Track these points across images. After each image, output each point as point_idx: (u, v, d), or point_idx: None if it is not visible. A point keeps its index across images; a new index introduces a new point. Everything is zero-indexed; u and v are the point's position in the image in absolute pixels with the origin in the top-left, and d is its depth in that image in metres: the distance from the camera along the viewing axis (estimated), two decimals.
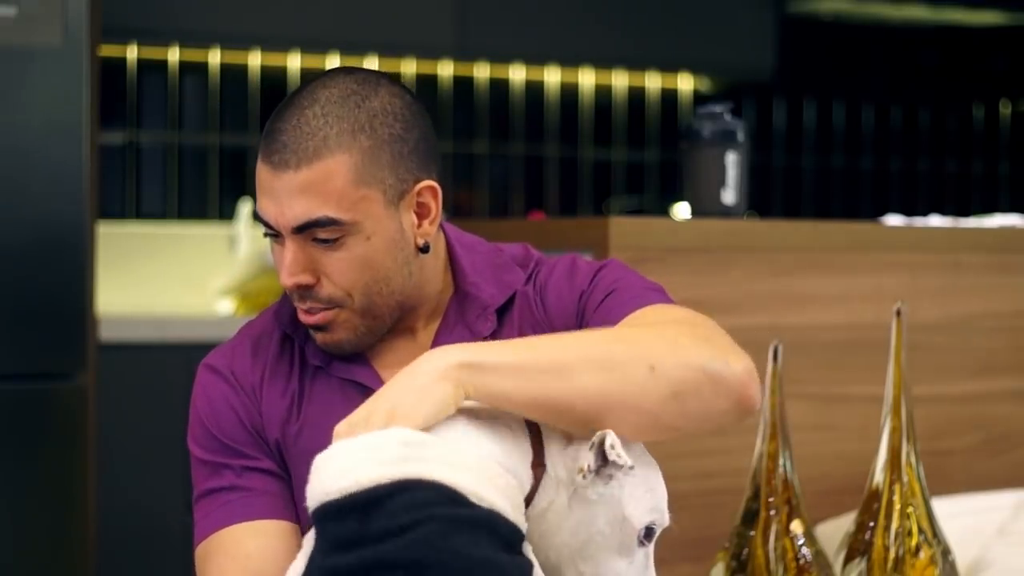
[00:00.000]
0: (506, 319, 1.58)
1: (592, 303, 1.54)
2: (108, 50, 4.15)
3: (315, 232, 1.48)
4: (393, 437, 1.28)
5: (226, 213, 4.39)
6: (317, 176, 1.47)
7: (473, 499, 1.27)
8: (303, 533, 1.50)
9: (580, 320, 1.55)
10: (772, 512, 1.90)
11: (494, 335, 1.56)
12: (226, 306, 4.26)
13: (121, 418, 3.50)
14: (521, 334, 1.55)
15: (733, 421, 1.41)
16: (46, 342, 2.99)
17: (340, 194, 1.47)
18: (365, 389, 1.52)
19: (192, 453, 1.59)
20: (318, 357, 1.56)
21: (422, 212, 1.53)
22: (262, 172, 1.50)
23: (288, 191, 1.47)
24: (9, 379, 2.97)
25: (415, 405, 1.31)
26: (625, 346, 1.37)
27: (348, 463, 1.27)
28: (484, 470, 1.30)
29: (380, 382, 1.52)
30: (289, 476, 1.56)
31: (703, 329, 1.43)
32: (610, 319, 1.49)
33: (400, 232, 1.52)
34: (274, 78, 4.48)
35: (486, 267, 1.60)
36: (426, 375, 1.32)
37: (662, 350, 1.37)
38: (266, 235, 1.53)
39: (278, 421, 1.56)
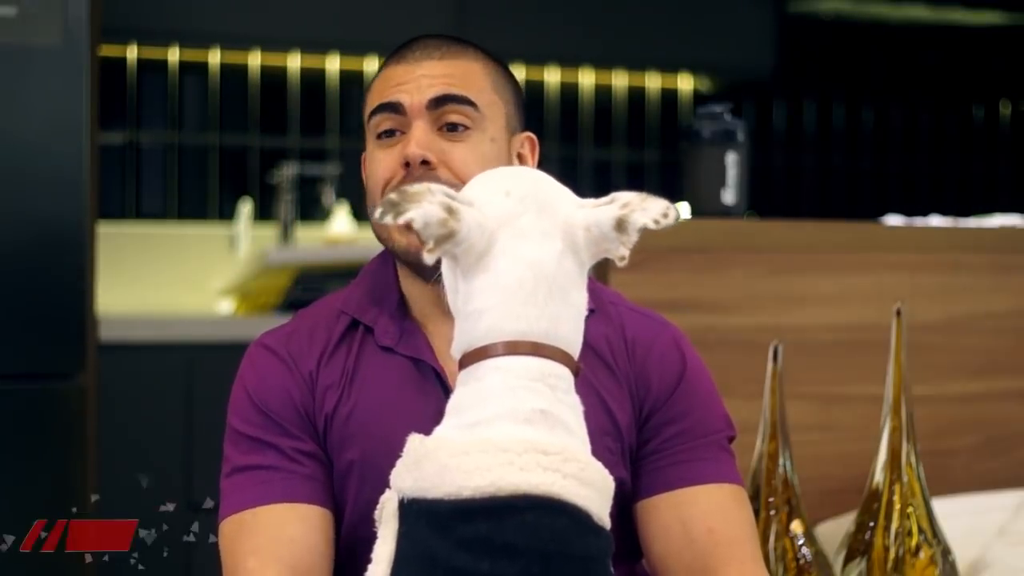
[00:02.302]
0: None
1: (682, 410, 1.61)
2: (108, 50, 4.15)
3: (449, 111, 1.54)
4: (532, 446, 1.26)
5: (226, 213, 4.39)
6: (458, 68, 1.57)
7: (596, 521, 1.28)
8: (345, 513, 1.52)
9: (670, 397, 1.61)
10: (772, 512, 1.90)
11: None
12: (226, 306, 4.26)
13: (121, 418, 3.50)
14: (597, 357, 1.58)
15: None
16: (46, 342, 2.98)
17: (478, 88, 1.56)
18: (426, 370, 1.54)
19: (231, 426, 1.58)
20: (388, 337, 1.57)
21: (521, 160, 1.62)
22: (395, 71, 1.57)
23: (429, 75, 1.55)
24: (9, 379, 2.97)
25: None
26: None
27: (486, 462, 1.25)
28: (606, 488, 1.31)
29: (441, 366, 1.55)
30: (329, 460, 1.55)
31: None
32: (689, 444, 1.60)
33: (510, 159, 1.59)
34: (274, 78, 4.48)
35: None
36: None
37: None
38: (380, 136, 1.56)
39: (331, 402, 1.56)
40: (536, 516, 1.24)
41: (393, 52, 1.61)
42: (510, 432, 1.26)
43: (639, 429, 1.59)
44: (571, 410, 1.31)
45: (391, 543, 1.29)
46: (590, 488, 1.28)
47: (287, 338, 1.61)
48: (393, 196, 1.27)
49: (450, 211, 1.28)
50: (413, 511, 1.27)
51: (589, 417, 1.46)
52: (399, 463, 1.30)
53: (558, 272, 1.32)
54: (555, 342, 1.31)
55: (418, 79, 1.55)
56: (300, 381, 1.57)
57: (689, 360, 1.62)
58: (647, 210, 1.32)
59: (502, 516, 1.23)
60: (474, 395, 1.30)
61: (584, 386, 1.54)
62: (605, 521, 1.29)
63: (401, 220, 1.27)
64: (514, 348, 1.29)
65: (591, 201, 1.36)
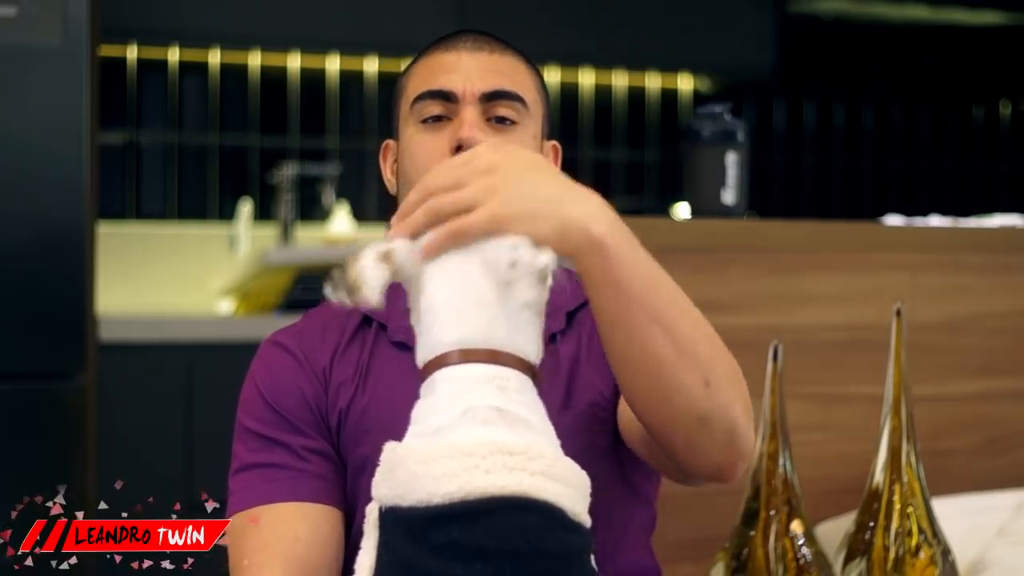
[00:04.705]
0: (575, 321, 1.61)
1: None
2: (108, 50, 4.15)
3: (499, 105, 1.55)
4: (496, 447, 1.26)
5: (226, 213, 4.40)
6: (509, 66, 1.59)
7: (571, 516, 1.27)
8: (357, 510, 1.52)
9: None
10: (772, 512, 1.89)
11: (562, 334, 1.59)
12: (226, 306, 4.26)
13: (121, 418, 3.50)
14: (590, 342, 1.57)
15: (703, 473, 1.43)
16: (46, 342, 2.99)
17: (525, 86, 1.58)
18: None
19: (241, 424, 1.58)
20: (402, 332, 1.56)
21: None
22: (444, 58, 1.58)
23: (481, 66, 1.57)
24: (9, 379, 2.97)
25: (543, 230, 1.31)
26: (712, 351, 1.44)
27: (452, 468, 1.24)
28: (579, 483, 1.30)
29: None
30: (342, 457, 1.55)
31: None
32: None
33: None
34: (274, 78, 4.48)
35: (561, 276, 1.62)
36: (585, 210, 1.37)
37: (726, 381, 1.44)
38: (425, 120, 1.56)
39: (346, 398, 1.56)
40: (504, 516, 1.23)
41: (437, 41, 1.62)
42: (472, 435, 1.26)
43: None
44: (528, 408, 1.31)
45: (372, 554, 1.29)
46: (560, 483, 1.27)
47: (299, 335, 1.61)
48: (336, 276, 1.29)
49: (385, 258, 1.30)
50: (390, 520, 1.27)
51: (580, 398, 1.45)
52: (377, 471, 1.31)
53: (482, 283, 1.32)
54: (499, 347, 1.31)
55: (468, 69, 1.56)
56: (313, 377, 1.57)
57: None
58: (533, 249, 1.31)
59: (472, 520, 1.23)
60: (430, 406, 1.31)
61: (571, 366, 1.56)
62: (582, 517, 1.29)
63: (363, 304, 1.28)
64: (466, 356, 1.30)
65: None
